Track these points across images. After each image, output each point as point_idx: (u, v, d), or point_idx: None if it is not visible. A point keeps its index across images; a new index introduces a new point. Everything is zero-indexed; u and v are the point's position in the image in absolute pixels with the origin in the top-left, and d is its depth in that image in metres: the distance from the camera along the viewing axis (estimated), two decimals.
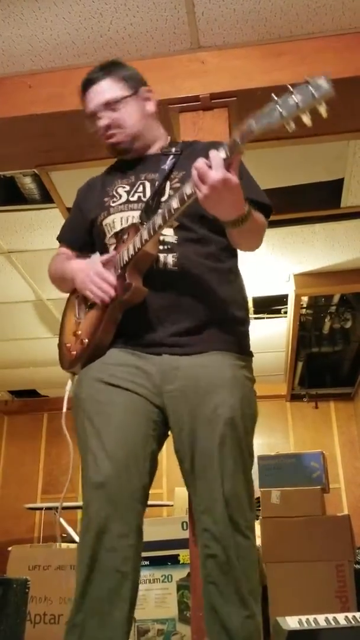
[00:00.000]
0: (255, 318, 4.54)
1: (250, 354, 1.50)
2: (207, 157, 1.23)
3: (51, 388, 6.33)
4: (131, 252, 1.39)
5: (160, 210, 1.35)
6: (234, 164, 1.21)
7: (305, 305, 4.37)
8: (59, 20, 2.08)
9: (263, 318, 4.58)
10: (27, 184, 3.00)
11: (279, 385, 6.05)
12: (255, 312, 4.50)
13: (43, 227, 3.38)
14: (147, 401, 1.38)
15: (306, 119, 1.08)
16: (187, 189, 1.26)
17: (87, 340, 1.44)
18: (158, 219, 1.34)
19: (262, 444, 5.85)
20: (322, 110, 1.07)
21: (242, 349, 1.45)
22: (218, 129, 2.07)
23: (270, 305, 4.47)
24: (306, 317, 4.59)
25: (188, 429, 1.34)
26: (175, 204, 1.29)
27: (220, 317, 1.43)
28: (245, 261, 3.92)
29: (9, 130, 2.25)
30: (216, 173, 1.18)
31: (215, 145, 1.32)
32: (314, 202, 3.07)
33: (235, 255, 1.57)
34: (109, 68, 1.60)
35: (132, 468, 1.32)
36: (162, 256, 1.43)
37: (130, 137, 1.57)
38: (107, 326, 1.44)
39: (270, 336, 4.87)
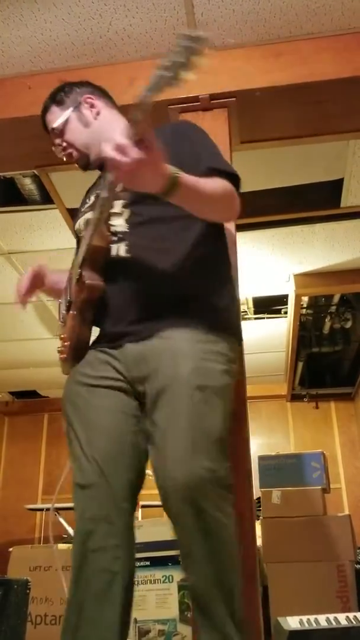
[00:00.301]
0: (256, 318, 4.54)
1: (228, 331, 1.42)
2: (165, 142, 1.24)
3: (51, 389, 6.33)
4: (83, 249, 1.42)
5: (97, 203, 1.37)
6: (144, 139, 1.18)
7: (305, 305, 4.37)
8: (59, 21, 2.08)
9: (263, 318, 4.58)
10: (27, 184, 3.00)
11: (279, 386, 6.05)
12: (256, 312, 4.50)
13: (43, 227, 3.38)
14: (125, 395, 1.38)
15: (190, 75, 1.07)
16: (110, 176, 1.26)
17: (67, 342, 1.48)
18: (96, 211, 1.36)
19: (263, 444, 5.86)
20: (204, 61, 1.06)
21: (209, 325, 1.37)
22: (218, 129, 2.07)
23: (270, 306, 4.48)
24: (306, 317, 4.59)
25: (152, 411, 1.32)
26: (104, 193, 1.31)
27: (179, 296, 1.39)
28: (245, 261, 3.92)
29: (8, 131, 2.25)
30: (127, 157, 1.17)
31: (173, 127, 1.38)
32: (313, 202, 3.07)
33: (205, 230, 1.48)
34: (53, 95, 1.67)
35: (112, 468, 1.32)
36: (115, 247, 1.44)
37: (81, 151, 1.62)
38: (80, 326, 1.47)
39: (270, 336, 4.88)
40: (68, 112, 1.62)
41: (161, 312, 1.38)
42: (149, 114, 1.13)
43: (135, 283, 1.42)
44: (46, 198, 3.04)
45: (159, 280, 1.41)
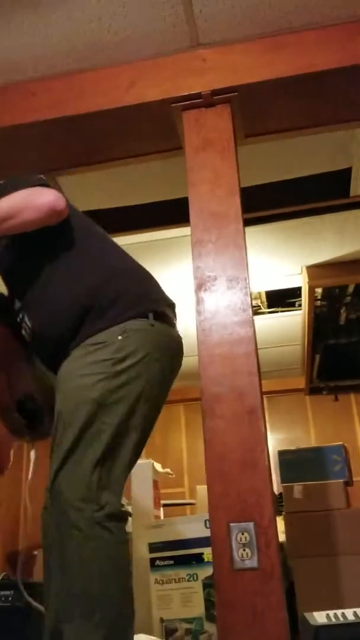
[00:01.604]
0: (270, 312, 4.52)
1: (116, 322, 1.47)
2: None
3: None
4: None
5: None
6: None
7: (319, 297, 4.34)
8: (59, 26, 2.08)
9: (277, 312, 4.56)
10: None
11: (297, 379, 6.01)
12: (269, 307, 4.48)
13: None
14: None
15: None
16: None
17: None
18: None
19: (283, 439, 5.84)
20: None
21: (93, 333, 1.47)
22: (221, 125, 2.07)
23: (284, 299, 4.45)
24: (321, 309, 4.55)
25: None
26: None
27: (69, 329, 1.50)
28: (256, 256, 3.90)
29: (15, 138, 2.26)
30: None
31: None
32: (322, 193, 3.05)
33: (58, 253, 1.59)
34: None
35: None
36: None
37: None
38: None
39: (285, 330, 4.85)
40: None
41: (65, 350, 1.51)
42: None
43: (41, 347, 1.59)
44: None
45: (51, 332, 1.54)
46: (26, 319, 1.60)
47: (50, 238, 1.58)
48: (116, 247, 1.70)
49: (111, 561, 1.29)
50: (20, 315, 1.62)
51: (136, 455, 1.42)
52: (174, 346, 1.55)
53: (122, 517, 1.34)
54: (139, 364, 1.41)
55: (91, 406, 1.36)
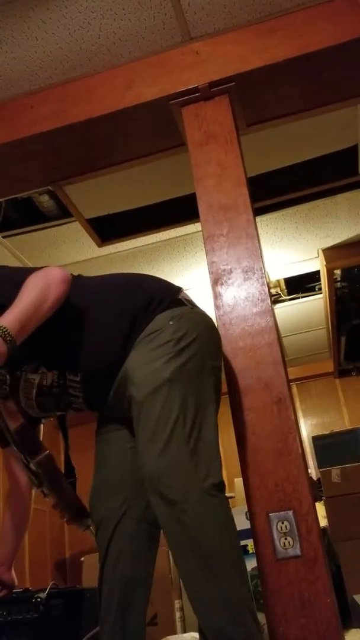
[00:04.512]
0: (291, 299, 4.49)
1: (160, 312, 1.52)
2: None
3: None
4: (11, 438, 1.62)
5: None
6: None
7: (338, 279, 4.29)
8: (49, 36, 2.09)
9: (298, 298, 4.52)
10: (45, 201, 3.03)
11: (325, 363, 5.96)
12: (290, 294, 4.45)
13: (67, 241, 3.41)
14: None
15: None
16: None
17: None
18: None
19: (316, 424, 5.80)
20: None
21: (145, 327, 1.51)
22: (221, 116, 2.06)
23: (303, 284, 4.42)
24: (342, 291, 4.51)
25: None
26: None
27: (118, 358, 1.52)
28: (271, 244, 3.86)
29: (17, 152, 2.27)
30: None
31: None
32: (331, 174, 3.02)
33: (68, 322, 1.58)
34: None
35: None
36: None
37: None
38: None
39: (308, 315, 4.81)
40: None
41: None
42: None
43: (98, 383, 1.57)
44: (66, 212, 3.07)
45: (106, 356, 1.54)
46: (70, 376, 1.58)
47: None
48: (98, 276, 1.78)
49: (226, 524, 1.33)
50: (61, 382, 1.59)
51: (217, 423, 1.48)
52: (212, 323, 1.63)
53: (223, 486, 1.38)
54: (194, 342, 1.48)
55: (168, 386, 1.41)
